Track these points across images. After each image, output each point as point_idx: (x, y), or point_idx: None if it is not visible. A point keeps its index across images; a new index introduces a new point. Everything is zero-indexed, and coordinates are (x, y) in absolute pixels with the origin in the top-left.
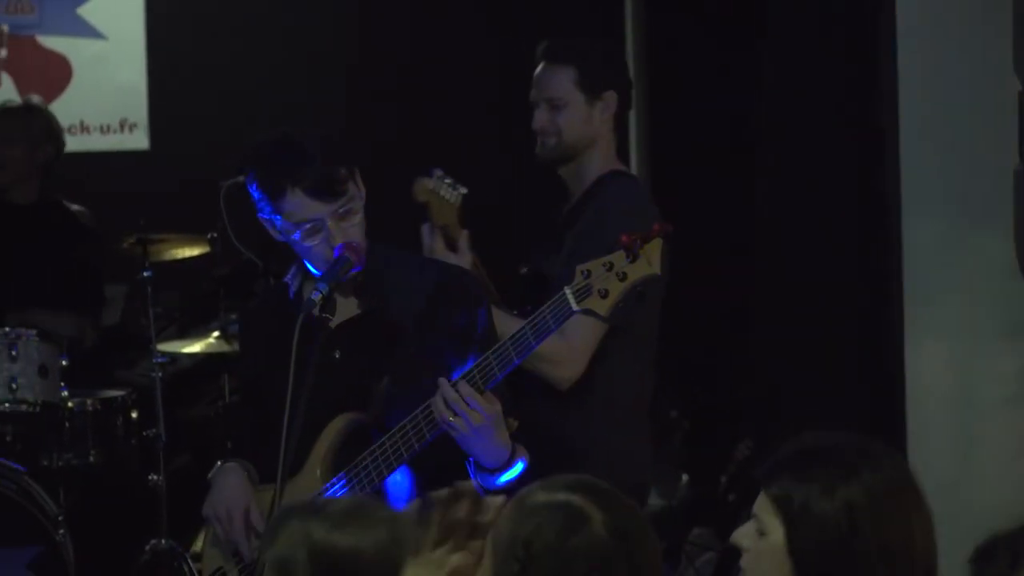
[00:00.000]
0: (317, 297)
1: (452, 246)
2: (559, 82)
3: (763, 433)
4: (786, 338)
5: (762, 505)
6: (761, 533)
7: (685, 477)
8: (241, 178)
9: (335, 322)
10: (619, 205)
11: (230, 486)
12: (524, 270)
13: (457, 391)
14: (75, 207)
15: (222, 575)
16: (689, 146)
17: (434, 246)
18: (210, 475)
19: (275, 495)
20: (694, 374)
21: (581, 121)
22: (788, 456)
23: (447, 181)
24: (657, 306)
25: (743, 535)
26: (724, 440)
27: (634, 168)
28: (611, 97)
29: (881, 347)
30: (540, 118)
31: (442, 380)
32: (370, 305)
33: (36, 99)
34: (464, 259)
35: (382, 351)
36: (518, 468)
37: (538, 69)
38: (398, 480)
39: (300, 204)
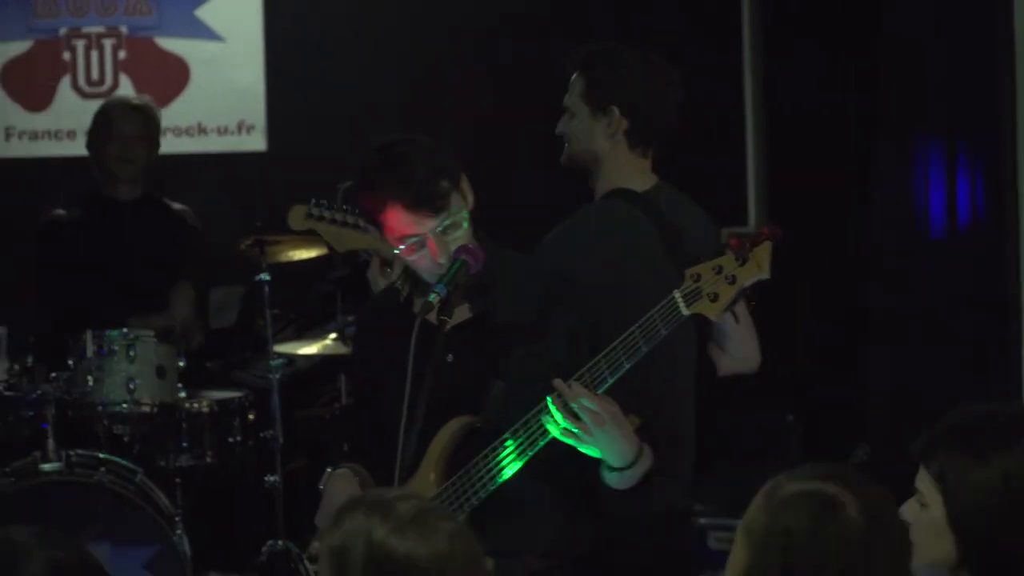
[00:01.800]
0: (434, 300)
1: None
2: (573, 91)
3: (880, 437)
4: (904, 340)
5: (922, 478)
6: (923, 506)
7: None
8: (354, 179)
9: (449, 325)
10: (573, 234)
11: (341, 495)
12: None
13: (575, 393)
14: (177, 205)
15: None
16: (805, 148)
17: None
18: (321, 483)
19: None
20: (810, 378)
21: (585, 134)
22: (944, 429)
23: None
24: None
25: (906, 510)
26: (841, 444)
27: (750, 171)
28: (615, 114)
29: (1000, 349)
30: (561, 123)
31: (558, 382)
32: (482, 308)
33: (148, 99)
34: None
35: (495, 354)
36: (641, 469)
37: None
38: (514, 482)
39: (401, 219)
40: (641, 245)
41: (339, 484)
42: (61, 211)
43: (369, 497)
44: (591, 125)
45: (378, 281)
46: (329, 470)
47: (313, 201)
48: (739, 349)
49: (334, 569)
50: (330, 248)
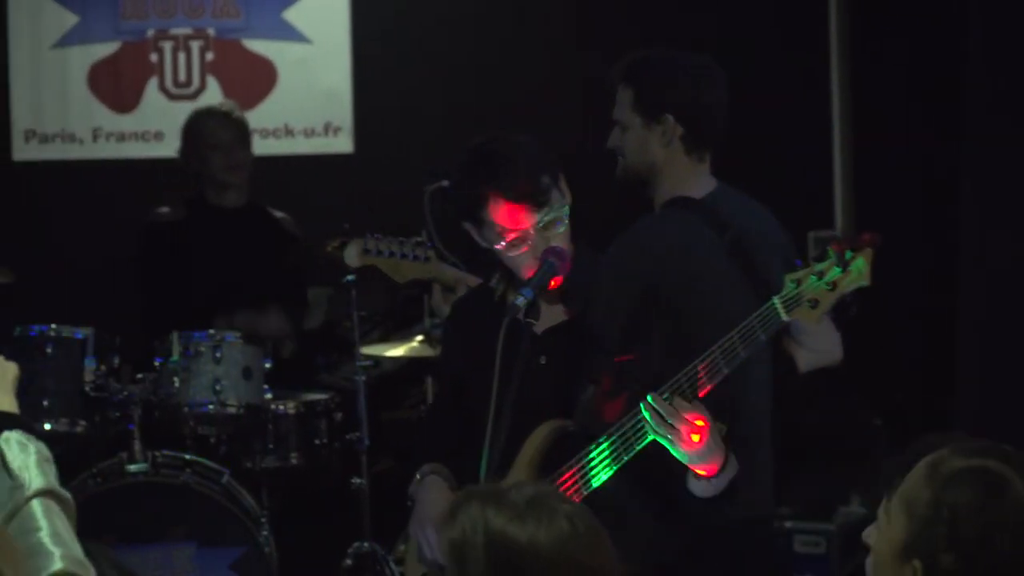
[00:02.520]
0: (522, 302)
1: None
2: (622, 104)
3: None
4: (993, 343)
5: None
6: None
7: None
8: (445, 182)
9: (542, 328)
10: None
11: (432, 503)
12: None
13: (670, 401)
14: (279, 214)
15: None
16: (892, 149)
17: None
18: (411, 489)
19: None
20: (897, 380)
21: (639, 146)
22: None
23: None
24: None
25: (868, 534)
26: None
27: (837, 173)
28: (669, 121)
29: None
30: (611, 137)
31: (653, 394)
32: (576, 311)
33: (231, 103)
34: None
35: (588, 357)
36: (728, 476)
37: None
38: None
39: (503, 215)
40: (703, 252)
41: (431, 491)
42: (166, 209)
43: (480, 488)
44: (645, 135)
45: (441, 308)
46: (418, 476)
47: (368, 235)
48: (817, 342)
49: (455, 563)
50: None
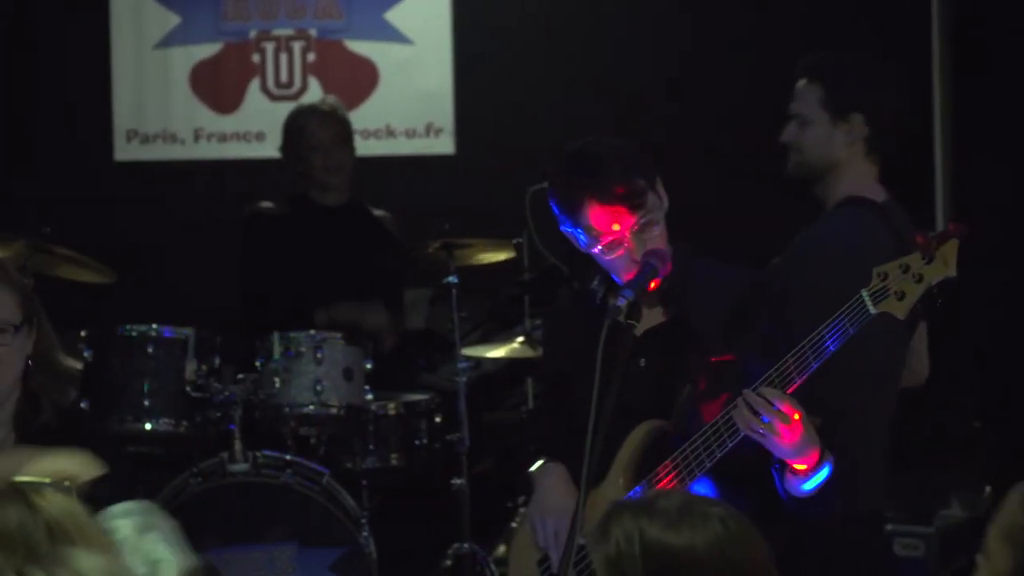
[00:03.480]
0: (622, 304)
1: None
2: (807, 99)
3: None
4: None
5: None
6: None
7: (988, 489)
8: (546, 184)
9: (641, 329)
10: (824, 243)
11: (552, 490)
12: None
13: (762, 395)
14: (379, 212)
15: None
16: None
17: None
18: (532, 471)
19: (578, 503)
20: (998, 384)
21: (822, 142)
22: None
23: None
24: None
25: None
26: None
27: (937, 161)
28: (858, 120)
29: None
30: (788, 132)
31: (746, 391)
32: (675, 312)
33: (335, 100)
34: None
35: (686, 359)
36: (825, 471)
37: (796, 84)
38: (704, 487)
39: (599, 219)
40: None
41: (551, 477)
42: (269, 204)
43: (629, 501)
44: (830, 132)
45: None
46: (541, 461)
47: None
48: (914, 363)
49: None
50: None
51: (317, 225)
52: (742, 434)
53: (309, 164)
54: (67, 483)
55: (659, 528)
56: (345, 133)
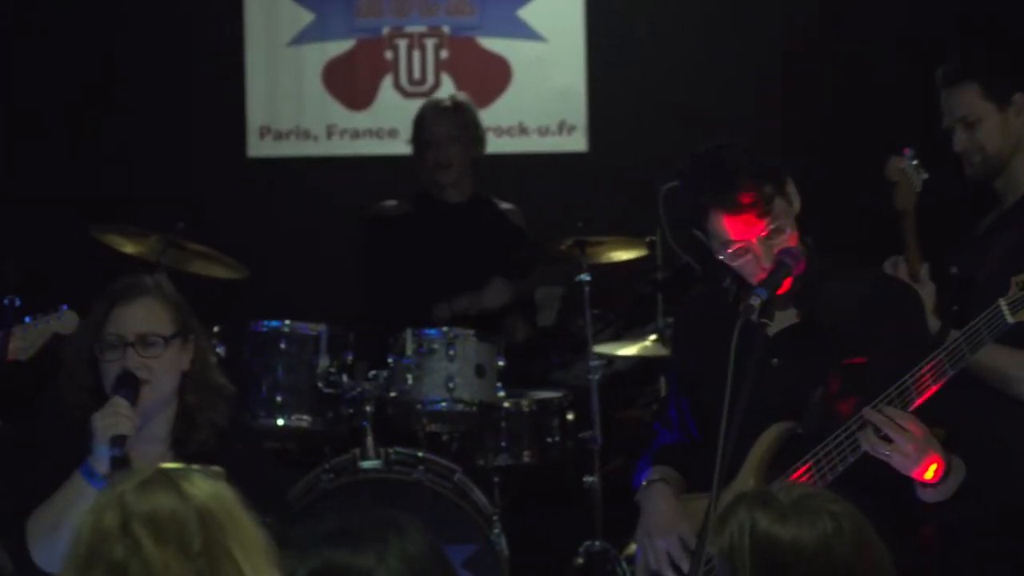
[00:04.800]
0: (756, 303)
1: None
2: (966, 100)
3: None
4: None
5: None
6: None
7: None
8: (677, 184)
9: (773, 329)
10: None
11: (657, 512)
12: (953, 270)
13: (885, 415)
14: (505, 205)
15: None
16: None
17: (897, 275)
18: (637, 496)
19: (710, 505)
20: None
21: (999, 132)
22: None
23: (915, 163)
24: None
25: None
26: None
27: None
28: (1020, 99)
29: None
30: (959, 140)
31: (867, 410)
32: (807, 313)
33: (462, 96)
34: (925, 288)
35: (819, 360)
36: (954, 479)
37: (943, 96)
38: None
39: (726, 226)
40: None
41: (656, 500)
42: (392, 202)
43: (750, 492)
44: (1003, 120)
45: None
46: (644, 482)
47: (911, 154)
48: None
49: (727, 570)
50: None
51: (440, 223)
52: (862, 451)
53: (423, 159)
54: (216, 469)
55: (769, 520)
56: (462, 130)
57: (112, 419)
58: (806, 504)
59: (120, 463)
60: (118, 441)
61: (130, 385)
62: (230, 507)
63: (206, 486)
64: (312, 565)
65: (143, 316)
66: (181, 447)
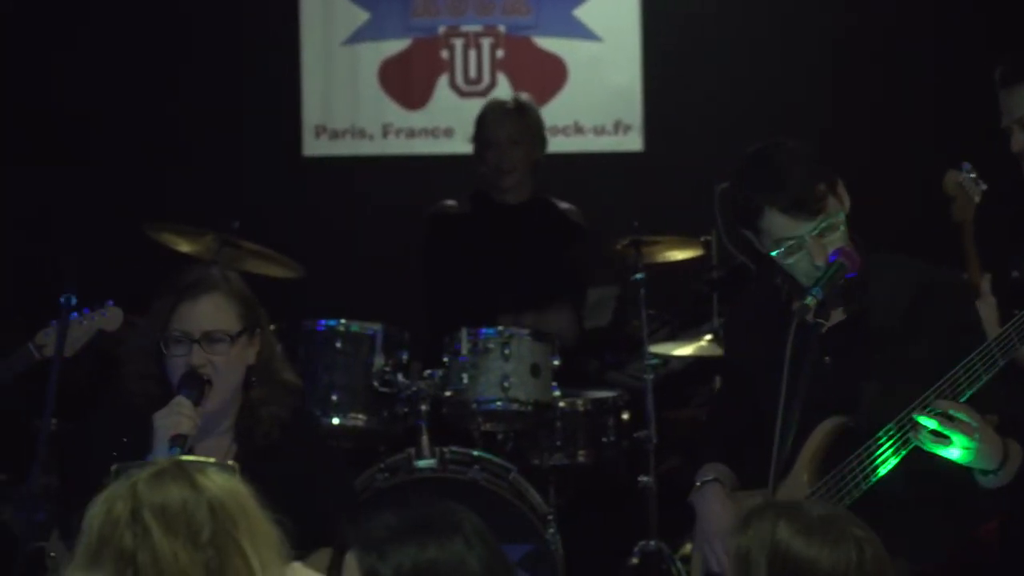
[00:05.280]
0: (811, 302)
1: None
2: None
3: None
4: None
5: None
6: None
7: None
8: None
9: (826, 327)
10: None
11: (713, 514)
12: (1015, 274)
13: (937, 408)
14: (564, 205)
15: None
16: None
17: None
18: (691, 497)
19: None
20: None
21: None
22: None
23: (972, 176)
24: None
25: None
26: None
27: None
28: None
29: None
30: (1017, 141)
31: (918, 413)
32: (856, 309)
33: (525, 96)
34: (987, 303)
35: (869, 354)
36: (1016, 462)
37: (1000, 96)
38: (886, 483)
39: (777, 224)
40: None
41: (711, 502)
42: (452, 203)
43: (779, 500)
44: None
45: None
46: (697, 483)
47: (968, 167)
48: None
49: (739, 570)
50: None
51: (499, 223)
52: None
53: (484, 160)
54: (231, 463)
55: (792, 532)
56: (524, 133)
57: (174, 419)
58: (833, 524)
59: None
60: (178, 440)
61: (194, 385)
62: (242, 501)
63: (220, 479)
64: (399, 564)
65: (210, 313)
66: (245, 440)
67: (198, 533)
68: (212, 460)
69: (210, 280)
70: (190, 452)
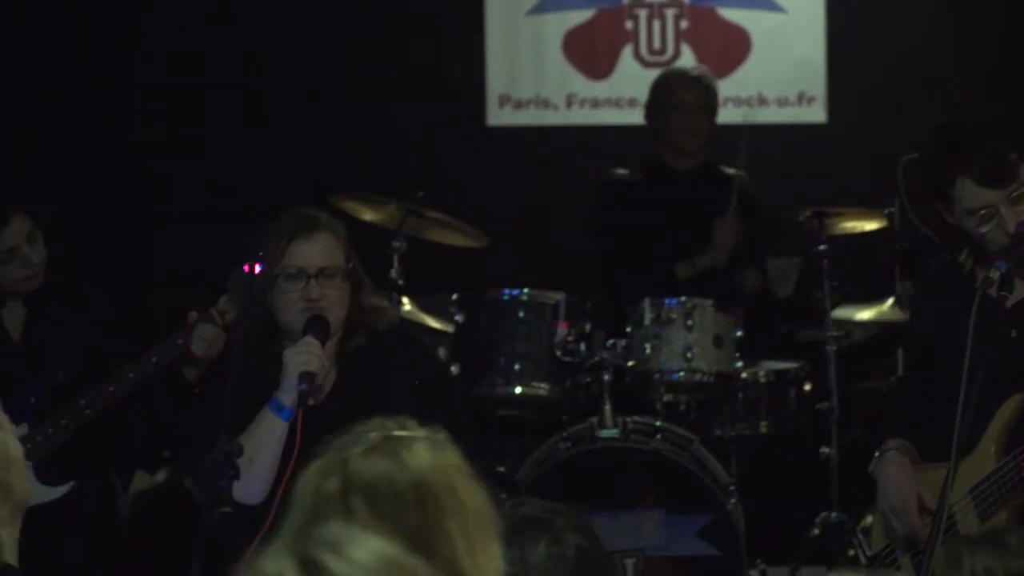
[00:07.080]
0: (995, 276)
1: None
2: None
3: None
4: None
5: None
6: None
7: None
8: (918, 154)
9: (1012, 301)
10: None
11: (897, 477)
12: None
13: None
14: (732, 170)
15: (890, 552)
16: None
17: None
18: (871, 468)
19: (948, 474)
20: None
21: None
22: None
23: None
24: None
25: None
26: None
27: None
28: None
29: None
30: None
31: None
32: None
33: (704, 68)
34: None
35: None
36: None
37: None
38: None
39: (970, 193)
40: None
41: (891, 468)
42: (623, 171)
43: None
44: None
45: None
46: (877, 454)
47: None
48: None
49: None
50: (894, 220)
51: (671, 190)
52: None
53: (668, 124)
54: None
55: (994, 558)
56: (709, 101)
57: (304, 356)
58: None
59: (305, 398)
60: (306, 377)
61: (321, 328)
62: (451, 479)
63: (428, 456)
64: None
65: (322, 250)
66: (340, 360)
67: (403, 517)
68: (423, 433)
69: (320, 220)
70: (310, 393)
